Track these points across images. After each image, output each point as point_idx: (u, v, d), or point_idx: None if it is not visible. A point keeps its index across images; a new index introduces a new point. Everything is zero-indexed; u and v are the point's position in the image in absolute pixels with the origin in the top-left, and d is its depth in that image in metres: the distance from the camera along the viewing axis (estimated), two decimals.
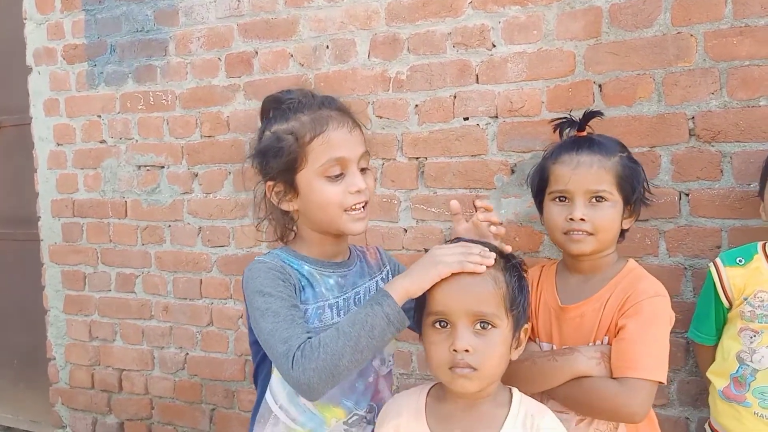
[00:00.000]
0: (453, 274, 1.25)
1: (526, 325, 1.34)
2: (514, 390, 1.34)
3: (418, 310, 1.32)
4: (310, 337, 1.29)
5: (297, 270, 1.43)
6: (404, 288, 1.29)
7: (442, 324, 1.25)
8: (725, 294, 1.72)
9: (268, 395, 1.48)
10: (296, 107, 1.45)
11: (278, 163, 1.43)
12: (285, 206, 1.47)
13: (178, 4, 2.76)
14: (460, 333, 1.22)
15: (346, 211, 1.42)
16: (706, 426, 1.82)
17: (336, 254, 1.52)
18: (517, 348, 1.32)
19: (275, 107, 1.50)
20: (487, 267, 1.25)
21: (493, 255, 1.28)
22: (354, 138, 1.44)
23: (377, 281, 1.57)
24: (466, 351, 1.21)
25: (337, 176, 1.41)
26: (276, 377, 1.45)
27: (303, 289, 1.42)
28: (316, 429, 1.44)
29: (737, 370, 1.68)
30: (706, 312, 1.78)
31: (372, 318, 1.26)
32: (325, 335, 1.28)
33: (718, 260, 1.75)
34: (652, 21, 1.99)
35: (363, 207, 1.44)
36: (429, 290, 1.27)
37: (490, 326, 1.23)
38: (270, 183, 1.47)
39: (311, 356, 1.25)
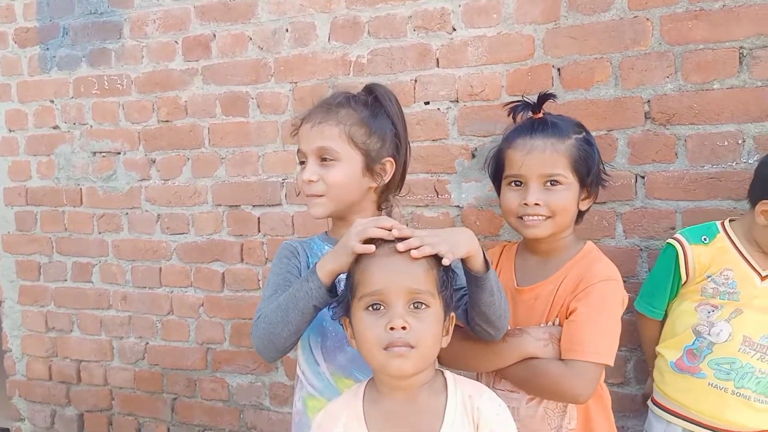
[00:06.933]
0: (384, 255, 1.23)
1: (453, 314, 1.32)
2: (447, 373, 1.31)
3: (349, 297, 1.28)
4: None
5: (318, 252, 1.56)
6: (328, 267, 1.32)
7: (375, 307, 1.21)
8: (687, 271, 1.73)
9: (298, 359, 1.59)
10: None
11: None
12: None
13: None
14: (396, 311, 1.19)
15: (307, 196, 1.53)
16: (649, 402, 1.83)
17: None
18: (446, 335, 1.29)
19: None
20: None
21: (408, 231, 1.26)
22: (313, 132, 1.51)
23: None
24: (404, 328, 1.18)
25: (303, 164, 1.54)
26: (299, 343, 1.52)
27: (309, 265, 1.53)
28: (330, 398, 1.45)
29: (693, 343, 1.70)
30: (663, 287, 1.79)
31: (299, 292, 1.35)
32: (268, 308, 1.41)
33: (681, 237, 1.75)
34: (609, 5, 2.01)
35: (317, 195, 1.51)
36: (360, 273, 1.25)
37: (424, 306, 1.21)
38: None
39: (258, 326, 1.42)
